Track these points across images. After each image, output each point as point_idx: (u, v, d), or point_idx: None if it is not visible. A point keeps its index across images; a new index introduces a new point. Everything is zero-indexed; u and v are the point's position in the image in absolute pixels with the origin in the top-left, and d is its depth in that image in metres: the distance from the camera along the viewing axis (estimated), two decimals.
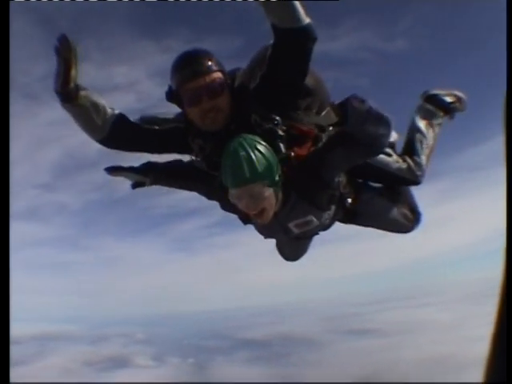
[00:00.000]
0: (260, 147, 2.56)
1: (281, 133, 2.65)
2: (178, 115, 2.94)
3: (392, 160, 3.10)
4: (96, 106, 2.79)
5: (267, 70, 2.65)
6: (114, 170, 3.04)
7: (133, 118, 2.91)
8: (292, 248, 3.75)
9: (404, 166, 3.10)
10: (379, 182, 3.18)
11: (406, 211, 3.22)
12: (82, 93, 2.69)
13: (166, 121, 2.97)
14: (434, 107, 3.39)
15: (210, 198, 3.09)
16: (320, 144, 2.75)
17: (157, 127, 2.93)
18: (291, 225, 2.97)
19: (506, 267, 0.94)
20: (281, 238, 3.40)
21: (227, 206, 2.93)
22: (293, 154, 2.65)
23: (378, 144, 2.68)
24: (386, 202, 3.16)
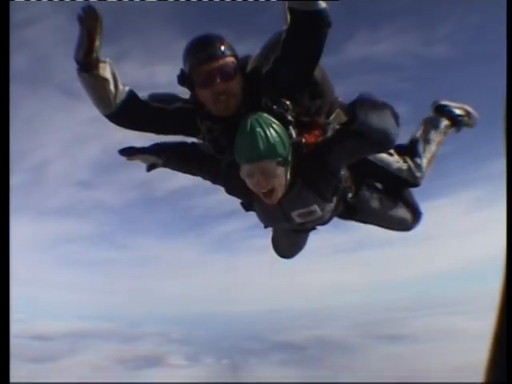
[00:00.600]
0: (275, 126, 2.67)
1: (290, 118, 2.74)
2: (188, 97, 3.00)
3: (393, 160, 3.20)
4: (113, 79, 2.81)
5: (281, 54, 2.71)
6: (129, 153, 3.14)
7: (142, 95, 2.97)
8: (288, 243, 3.91)
9: (405, 166, 3.21)
10: (379, 181, 3.28)
11: (406, 211, 3.34)
12: (102, 64, 2.73)
13: (174, 100, 3.01)
14: (443, 117, 3.48)
15: (214, 181, 3.17)
16: (328, 134, 2.83)
17: (165, 106, 2.97)
18: (294, 213, 3.05)
19: (506, 269, 0.98)
20: (281, 228, 3.48)
21: (233, 190, 3.09)
22: (303, 140, 2.73)
23: (387, 140, 2.71)
24: (386, 200, 3.27)
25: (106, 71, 2.76)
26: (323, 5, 2.49)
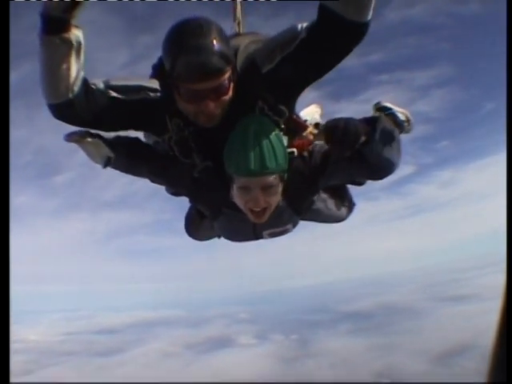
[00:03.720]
0: (278, 134, 2.37)
1: (282, 126, 2.43)
2: (158, 86, 2.48)
3: None
4: (83, 56, 2.22)
5: (292, 54, 2.27)
6: (76, 136, 2.52)
7: (94, 81, 2.36)
8: (212, 233, 3.49)
9: None
10: (331, 184, 2.88)
11: (344, 206, 3.15)
12: (76, 30, 2.10)
13: (137, 89, 2.47)
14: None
15: (173, 187, 2.90)
16: (316, 145, 2.57)
17: (125, 96, 2.43)
18: (267, 232, 2.89)
19: (507, 270, 1.01)
20: (241, 240, 3.19)
21: (200, 199, 2.84)
22: (295, 152, 2.50)
23: (389, 173, 2.53)
24: (329, 199, 3.01)
25: (78, 38, 2.12)
26: (369, 17, 2.00)
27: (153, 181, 2.87)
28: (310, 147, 2.58)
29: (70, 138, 2.52)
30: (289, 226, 2.91)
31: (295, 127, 2.54)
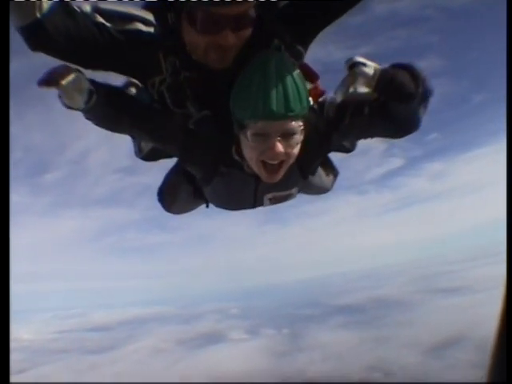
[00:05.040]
0: (301, 76, 2.11)
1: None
2: (153, 17, 2.20)
3: None
4: None
5: None
6: (55, 76, 2.06)
7: (83, 2, 2.11)
8: (191, 205, 3.20)
9: None
10: None
11: (332, 175, 2.99)
12: None
13: (130, 18, 2.17)
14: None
15: (162, 142, 2.44)
16: (328, 96, 2.32)
17: (113, 25, 2.13)
18: (268, 196, 2.62)
19: (508, 268, 0.99)
20: (236, 208, 2.85)
21: (194, 157, 2.42)
22: (311, 100, 2.17)
23: (414, 130, 2.33)
24: (319, 169, 2.78)
25: None
26: None
27: (134, 135, 2.58)
28: (322, 98, 2.30)
29: (46, 81, 2.02)
30: (293, 191, 2.64)
31: (306, 75, 2.19)
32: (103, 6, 2.14)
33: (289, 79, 2.01)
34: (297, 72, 2.05)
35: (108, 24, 2.12)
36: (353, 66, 2.10)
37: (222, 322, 44.06)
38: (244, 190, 2.54)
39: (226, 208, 2.88)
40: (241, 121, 2.09)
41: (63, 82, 2.03)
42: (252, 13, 1.99)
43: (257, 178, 2.33)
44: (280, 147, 2.04)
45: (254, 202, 2.67)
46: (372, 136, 2.44)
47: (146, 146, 2.80)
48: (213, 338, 36.84)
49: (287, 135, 2.05)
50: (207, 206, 3.02)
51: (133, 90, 2.61)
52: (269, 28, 2.15)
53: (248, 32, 2.02)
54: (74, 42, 2.04)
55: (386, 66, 2.08)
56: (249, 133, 2.05)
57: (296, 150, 2.13)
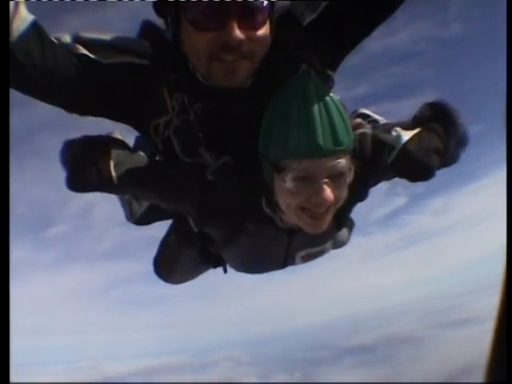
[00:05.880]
0: (343, 104, 1.84)
1: None
2: (151, 43, 1.90)
3: None
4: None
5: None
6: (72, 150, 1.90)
7: (62, 34, 1.81)
8: (192, 273, 2.93)
9: None
10: None
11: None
12: None
13: (120, 48, 1.84)
14: None
15: (173, 201, 2.08)
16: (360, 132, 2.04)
17: (101, 58, 1.80)
18: (301, 254, 2.33)
19: (507, 266, 0.94)
20: (263, 270, 2.52)
21: (216, 213, 2.00)
22: None
23: (427, 178, 2.10)
24: None
25: None
26: None
27: (136, 196, 2.30)
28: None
29: (84, 181, 1.88)
30: (328, 245, 2.38)
31: None
32: (85, 34, 1.81)
33: (333, 107, 1.73)
34: (338, 98, 1.79)
35: (93, 56, 1.78)
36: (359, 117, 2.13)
37: (234, 369, 43.40)
38: (274, 249, 2.23)
39: (249, 271, 2.53)
40: (276, 162, 1.78)
41: (113, 174, 1.89)
42: (264, 6, 1.69)
43: (290, 233, 2.10)
44: (329, 191, 1.73)
45: (285, 262, 2.36)
46: (400, 177, 2.19)
47: (140, 207, 2.56)
48: None
49: (336, 175, 1.75)
50: (225, 271, 2.60)
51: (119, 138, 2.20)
52: (293, 51, 1.88)
53: (263, 33, 1.72)
54: (52, 76, 1.70)
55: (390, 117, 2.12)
56: (289, 177, 1.74)
57: (345, 193, 1.84)
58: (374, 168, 2.05)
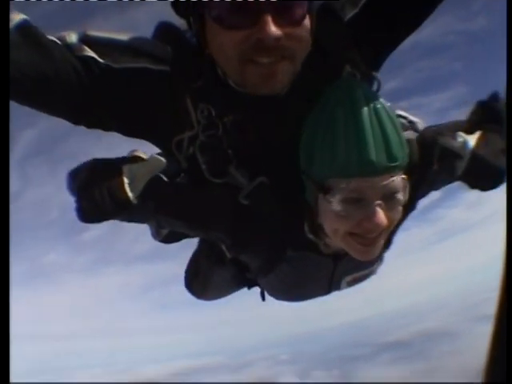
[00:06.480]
0: (395, 113, 1.71)
1: None
2: (174, 45, 1.70)
3: None
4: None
5: None
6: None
7: (66, 33, 1.63)
8: (228, 291, 2.73)
9: None
10: None
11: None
12: None
13: (135, 51, 1.64)
14: None
15: (203, 229, 1.88)
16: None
17: (113, 62, 1.62)
18: (347, 279, 2.18)
19: (506, 265, 0.95)
20: (305, 297, 2.36)
21: (252, 241, 1.80)
22: None
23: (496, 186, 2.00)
24: None
25: None
26: None
27: (161, 223, 2.02)
28: None
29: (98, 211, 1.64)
30: (375, 266, 2.24)
31: None
32: (94, 34, 1.63)
33: (385, 115, 1.57)
34: (389, 106, 1.65)
35: (101, 59, 1.59)
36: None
37: (271, 368, 43.39)
38: (317, 276, 2.07)
39: (290, 300, 2.42)
40: (321, 182, 1.60)
41: (129, 194, 1.67)
42: (302, 2, 1.48)
43: (335, 258, 1.95)
44: (382, 214, 1.57)
45: (329, 289, 2.22)
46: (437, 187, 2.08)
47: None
48: None
49: (389, 196, 1.60)
50: (263, 299, 2.49)
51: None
52: (334, 50, 1.69)
53: (303, 31, 1.53)
54: (46, 84, 1.49)
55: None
56: (336, 198, 1.57)
57: (399, 215, 1.70)
58: (424, 179, 1.83)
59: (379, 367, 34.99)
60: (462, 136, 1.89)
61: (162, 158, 1.77)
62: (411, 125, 2.16)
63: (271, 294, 2.42)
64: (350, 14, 1.71)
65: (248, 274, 2.27)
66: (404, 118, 2.23)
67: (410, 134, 1.87)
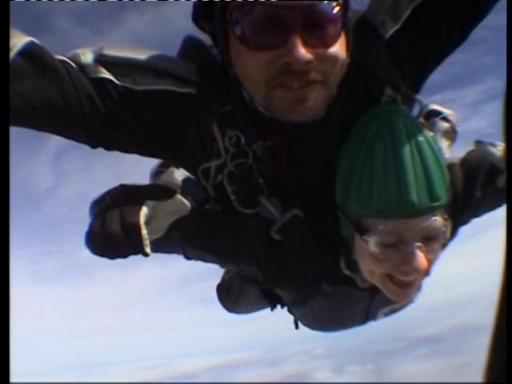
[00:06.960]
0: (439, 145, 1.54)
1: None
2: (200, 65, 1.58)
3: None
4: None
5: (429, 2, 1.47)
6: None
7: (82, 50, 1.49)
8: (259, 306, 2.65)
9: None
10: None
11: None
12: None
13: (156, 71, 1.51)
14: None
15: (233, 261, 1.81)
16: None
17: (132, 84, 1.49)
18: (385, 310, 2.14)
19: (505, 264, 0.78)
20: (340, 328, 2.31)
21: (280, 276, 1.68)
22: None
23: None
24: None
25: None
26: None
27: (189, 255, 1.83)
28: None
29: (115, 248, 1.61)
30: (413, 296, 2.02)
31: None
32: (111, 52, 1.49)
33: (427, 149, 1.43)
34: (432, 136, 1.51)
35: (118, 82, 1.48)
36: (428, 116, 1.85)
37: (307, 362, 43.61)
38: (353, 309, 2.02)
39: (324, 331, 2.34)
40: (357, 220, 1.51)
41: (143, 233, 1.57)
42: (335, 17, 1.34)
43: (372, 291, 1.86)
44: (421, 258, 1.47)
45: (366, 320, 2.19)
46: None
47: None
48: (299, 379, 36.44)
49: (429, 238, 1.50)
50: (297, 327, 2.41)
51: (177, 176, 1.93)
52: (373, 71, 1.55)
53: (338, 51, 1.37)
54: (55, 112, 1.43)
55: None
56: (373, 239, 1.48)
57: (438, 256, 1.58)
58: (467, 206, 1.72)
59: (414, 362, 35.19)
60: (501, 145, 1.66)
61: (187, 203, 1.64)
62: (448, 122, 2.02)
63: (305, 325, 2.34)
64: (391, 29, 1.55)
65: (282, 303, 2.20)
66: (439, 113, 2.08)
67: (453, 159, 1.73)
